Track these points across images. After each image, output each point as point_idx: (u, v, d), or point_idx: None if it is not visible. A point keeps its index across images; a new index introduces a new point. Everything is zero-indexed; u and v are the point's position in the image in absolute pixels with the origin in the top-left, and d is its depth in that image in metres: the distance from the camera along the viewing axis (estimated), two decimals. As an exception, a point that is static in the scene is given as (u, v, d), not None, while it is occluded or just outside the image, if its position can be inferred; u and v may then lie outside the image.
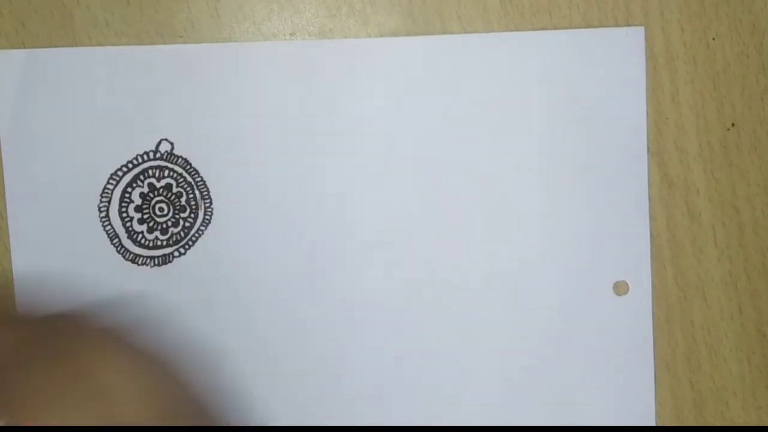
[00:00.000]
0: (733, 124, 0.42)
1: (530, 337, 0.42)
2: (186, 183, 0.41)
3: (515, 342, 0.42)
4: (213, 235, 0.41)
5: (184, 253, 0.41)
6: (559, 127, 0.41)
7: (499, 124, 0.41)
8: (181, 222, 0.41)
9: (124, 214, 0.41)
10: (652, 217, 0.42)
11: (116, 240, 0.41)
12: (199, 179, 0.41)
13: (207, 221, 0.41)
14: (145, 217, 0.41)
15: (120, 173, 0.41)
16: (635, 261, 0.42)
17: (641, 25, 0.41)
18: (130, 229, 0.41)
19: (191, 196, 0.41)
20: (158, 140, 0.41)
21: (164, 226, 0.41)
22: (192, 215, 0.41)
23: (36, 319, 0.32)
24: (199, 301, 0.41)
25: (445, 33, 0.41)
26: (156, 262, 0.41)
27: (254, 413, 0.41)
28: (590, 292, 0.42)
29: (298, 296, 0.41)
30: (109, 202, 0.41)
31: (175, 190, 0.41)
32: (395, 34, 0.41)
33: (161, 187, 0.41)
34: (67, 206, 0.41)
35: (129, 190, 0.41)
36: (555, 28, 0.41)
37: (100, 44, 0.41)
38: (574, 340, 0.42)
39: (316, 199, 0.40)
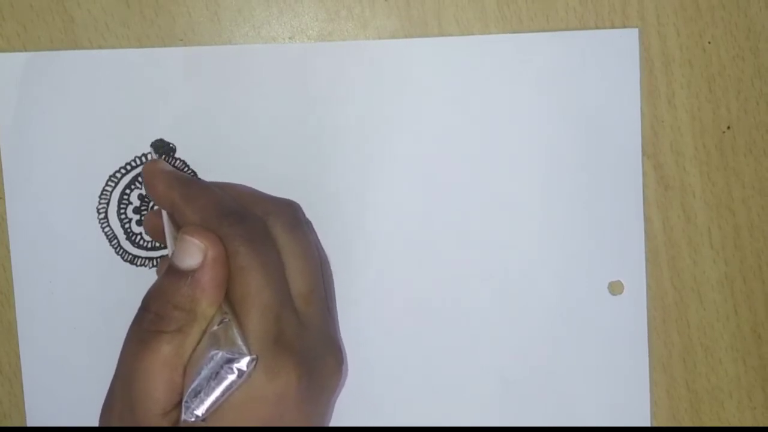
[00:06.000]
0: (728, 127, 0.42)
1: (526, 336, 0.42)
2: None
3: (511, 342, 0.42)
4: (211, 236, 0.41)
5: (183, 254, 0.41)
6: (555, 129, 0.41)
7: (496, 125, 0.41)
8: (180, 223, 0.41)
9: (123, 216, 0.41)
10: (648, 219, 0.42)
11: (115, 241, 0.41)
12: (197, 181, 0.41)
13: (206, 222, 0.41)
14: (144, 218, 0.41)
15: (119, 175, 0.41)
16: (631, 261, 0.42)
17: (637, 27, 0.41)
18: (129, 230, 0.41)
19: (190, 197, 0.41)
20: (158, 142, 0.41)
21: (163, 227, 0.41)
22: (191, 216, 0.41)
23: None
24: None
25: (443, 35, 0.41)
26: (154, 263, 0.41)
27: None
28: (586, 292, 0.42)
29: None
30: (107, 203, 0.41)
31: (174, 191, 0.41)
32: (394, 37, 0.41)
33: (160, 189, 0.41)
34: (66, 207, 0.41)
35: (127, 191, 0.41)
36: (551, 30, 0.41)
37: (100, 47, 0.41)
38: (569, 340, 0.42)
39: (315, 201, 0.41)
